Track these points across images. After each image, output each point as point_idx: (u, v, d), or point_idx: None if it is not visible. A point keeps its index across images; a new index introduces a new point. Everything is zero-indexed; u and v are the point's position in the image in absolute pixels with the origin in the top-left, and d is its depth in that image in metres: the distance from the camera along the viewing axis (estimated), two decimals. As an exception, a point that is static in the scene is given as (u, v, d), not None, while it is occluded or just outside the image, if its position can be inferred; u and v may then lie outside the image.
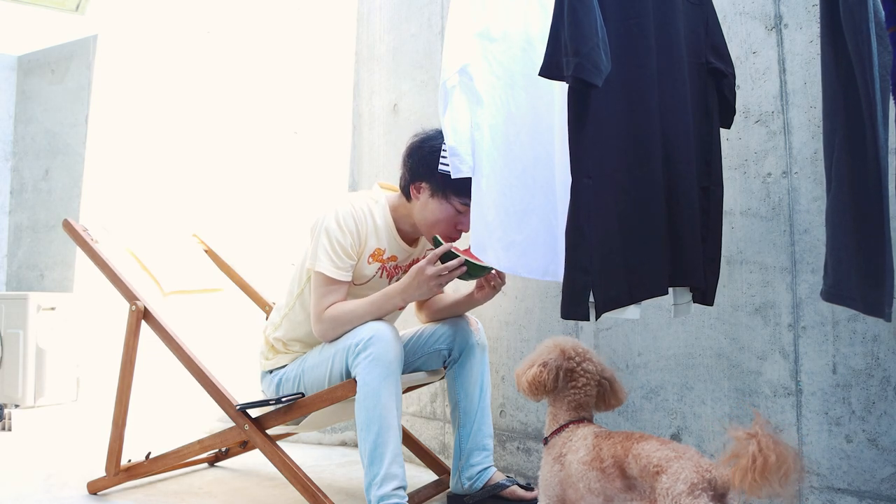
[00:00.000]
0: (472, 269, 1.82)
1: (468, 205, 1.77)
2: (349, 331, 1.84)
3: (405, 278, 1.85)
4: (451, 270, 1.79)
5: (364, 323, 1.82)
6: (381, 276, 1.96)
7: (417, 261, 2.03)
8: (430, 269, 1.79)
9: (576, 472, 1.36)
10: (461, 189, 1.79)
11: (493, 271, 1.89)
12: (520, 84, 1.74)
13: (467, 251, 1.80)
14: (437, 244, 1.83)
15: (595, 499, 1.32)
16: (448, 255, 1.81)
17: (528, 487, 1.99)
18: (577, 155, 1.43)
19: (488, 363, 2.08)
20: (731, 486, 1.14)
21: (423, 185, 1.90)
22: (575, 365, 1.47)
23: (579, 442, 1.39)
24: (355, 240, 1.88)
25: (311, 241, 1.91)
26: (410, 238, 2.00)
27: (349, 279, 1.89)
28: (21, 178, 4.31)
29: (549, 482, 1.43)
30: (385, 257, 1.95)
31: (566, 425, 1.45)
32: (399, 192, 1.99)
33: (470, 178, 1.67)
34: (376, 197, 1.99)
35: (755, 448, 1.09)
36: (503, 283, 1.97)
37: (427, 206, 1.90)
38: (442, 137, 1.87)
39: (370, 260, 1.93)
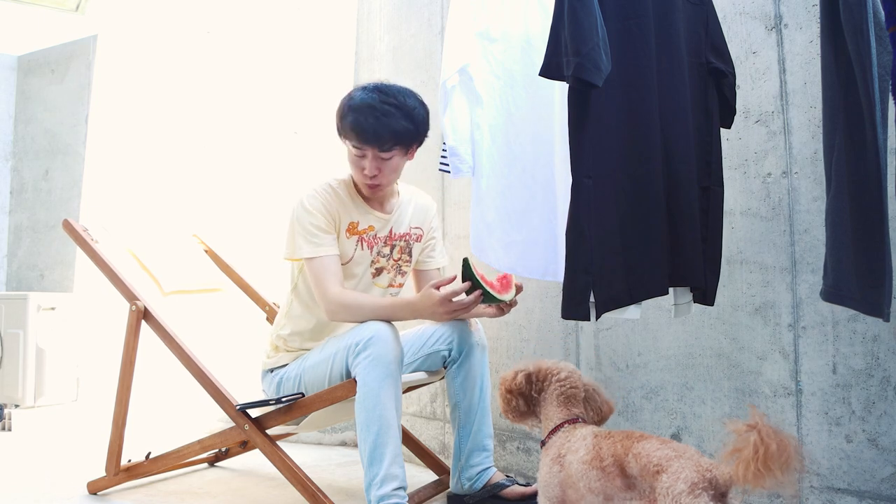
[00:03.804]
0: (490, 299, 1.81)
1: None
2: (353, 326, 1.85)
3: (418, 296, 1.86)
4: (464, 307, 1.79)
5: (367, 321, 1.82)
6: (361, 249, 1.99)
7: (401, 236, 2.05)
8: (444, 307, 1.78)
9: (576, 471, 1.35)
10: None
11: (509, 301, 1.87)
12: (520, 84, 1.74)
13: (490, 283, 1.80)
14: (465, 271, 1.78)
15: (595, 498, 1.32)
16: (472, 286, 1.77)
17: (527, 487, 1.99)
18: (577, 155, 1.43)
19: (488, 363, 2.08)
20: (734, 479, 1.14)
21: (343, 139, 1.95)
22: (551, 365, 1.50)
23: (579, 442, 1.38)
24: (327, 217, 1.92)
25: (288, 233, 1.95)
26: (379, 205, 2.02)
27: (336, 252, 1.92)
28: (21, 178, 4.30)
29: (548, 483, 1.42)
30: (360, 229, 1.98)
31: (561, 425, 1.45)
32: None
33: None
34: (337, 175, 2.03)
35: (756, 438, 1.09)
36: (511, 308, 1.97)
37: (349, 154, 1.94)
38: (356, 89, 1.94)
39: (347, 235, 1.96)
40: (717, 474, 1.17)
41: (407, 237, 2.07)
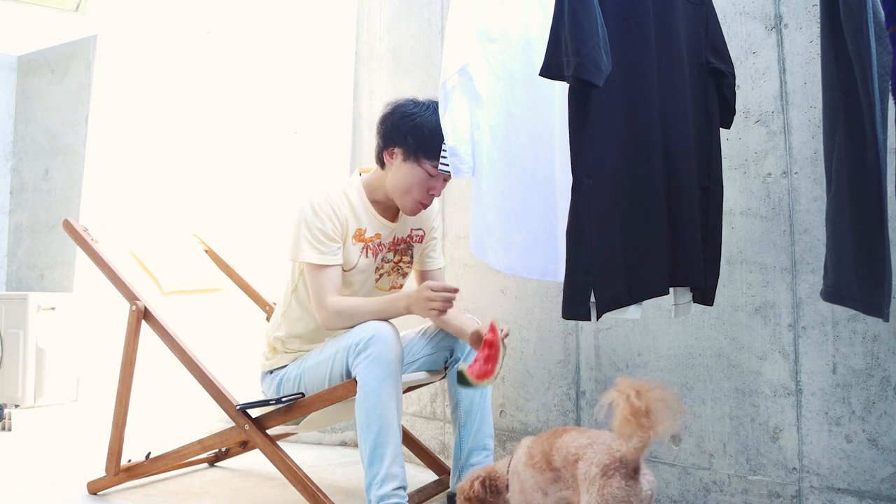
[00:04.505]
0: (466, 382, 1.77)
1: (438, 168, 1.82)
2: (351, 327, 1.85)
3: (414, 289, 1.86)
4: (443, 301, 1.79)
5: (366, 322, 1.82)
6: (366, 256, 1.97)
7: (402, 240, 2.04)
8: (426, 294, 1.79)
9: (522, 474, 1.50)
10: (432, 152, 1.83)
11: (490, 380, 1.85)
12: (520, 84, 1.74)
13: (470, 366, 1.78)
14: (462, 380, 1.78)
15: (535, 494, 1.44)
16: (462, 378, 1.77)
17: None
18: (577, 155, 1.43)
19: (488, 363, 2.08)
20: (629, 448, 1.24)
21: (396, 150, 1.92)
22: (496, 466, 1.64)
23: (520, 451, 1.55)
24: (335, 224, 1.90)
25: (293, 234, 1.93)
26: (389, 213, 2.01)
27: (339, 262, 1.91)
28: (21, 178, 4.30)
29: (513, 496, 1.54)
30: (367, 236, 1.97)
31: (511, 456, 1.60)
32: (375, 168, 2.01)
33: (440, 141, 1.70)
34: (350, 181, 2.02)
35: (622, 403, 1.22)
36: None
37: (400, 171, 1.92)
38: (413, 104, 1.92)
39: (354, 241, 1.95)
40: (626, 452, 1.26)
41: (409, 239, 2.07)
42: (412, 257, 2.10)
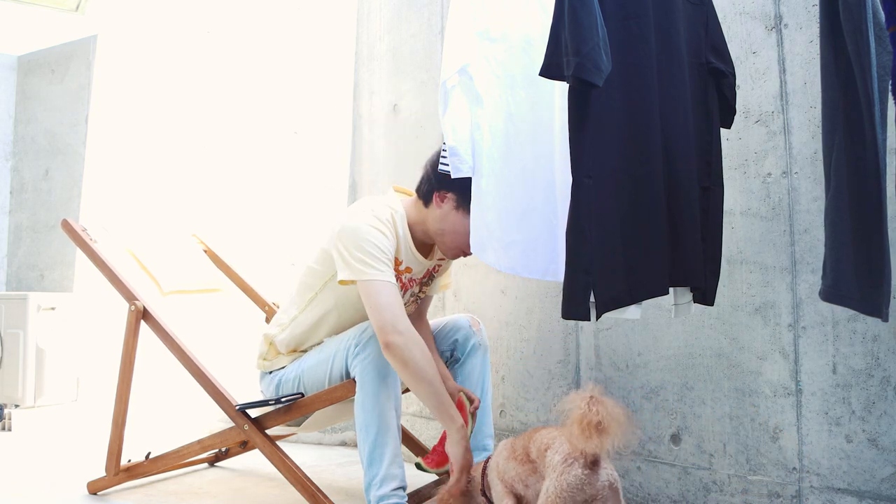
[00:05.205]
0: (426, 471, 1.88)
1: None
2: (353, 327, 1.82)
3: (466, 440, 1.77)
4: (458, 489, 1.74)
5: (415, 378, 1.71)
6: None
7: (429, 272, 2.00)
8: (470, 456, 1.75)
9: (502, 469, 1.59)
10: None
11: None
12: (520, 84, 1.74)
13: (431, 454, 1.88)
14: (421, 468, 1.91)
15: (518, 486, 1.55)
16: (422, 468, 1.86)
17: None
18: (577, 155, 1.43)
19: (490, 364, 2.08)
20: (585, 451, 1.34)
21: (450, 195, 1.82)
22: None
23: (500, 447, 1.64)
24: (392, 245, 1.81)
25: (343, 251, 1.77)
26: (424, 249, 1.94)
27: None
28: (21, 178, 4.30)
29: (494, 488, 1.61)
30: (401, 268, 1.90)
31: (487, 460, 1.69)
32: (412, 195, 1.93)
33: None
34: (394, 206, 1.90)
35: (578, 410, 1.31)
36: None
37: (448, 217, 1.83)
38: None
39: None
40: (585, 446, 1.35)
41: (433, 271, 2.02)
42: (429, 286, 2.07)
